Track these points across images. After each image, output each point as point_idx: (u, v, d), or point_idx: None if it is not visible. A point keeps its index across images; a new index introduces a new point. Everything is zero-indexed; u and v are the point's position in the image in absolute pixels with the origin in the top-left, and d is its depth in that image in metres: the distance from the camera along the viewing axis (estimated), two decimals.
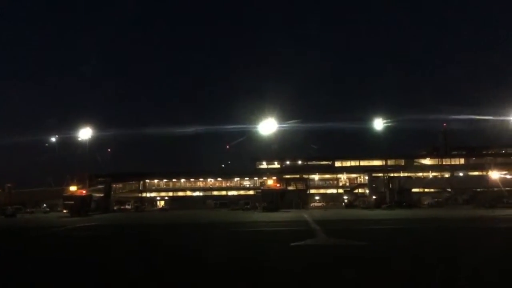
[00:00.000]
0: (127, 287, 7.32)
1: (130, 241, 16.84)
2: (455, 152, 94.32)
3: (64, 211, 52.46)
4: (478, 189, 64.24)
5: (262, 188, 65.50)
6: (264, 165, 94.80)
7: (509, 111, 54.12)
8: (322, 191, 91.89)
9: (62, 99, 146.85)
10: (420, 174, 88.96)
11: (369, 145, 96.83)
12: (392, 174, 74.99)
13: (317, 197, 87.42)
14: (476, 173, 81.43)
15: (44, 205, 73.91)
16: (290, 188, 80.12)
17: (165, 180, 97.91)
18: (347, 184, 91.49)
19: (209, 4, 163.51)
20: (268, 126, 56.76)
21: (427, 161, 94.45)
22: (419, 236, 16.42)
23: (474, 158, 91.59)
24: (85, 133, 60.60)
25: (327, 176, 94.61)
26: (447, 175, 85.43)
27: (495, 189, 59.53)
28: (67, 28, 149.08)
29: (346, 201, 75.24)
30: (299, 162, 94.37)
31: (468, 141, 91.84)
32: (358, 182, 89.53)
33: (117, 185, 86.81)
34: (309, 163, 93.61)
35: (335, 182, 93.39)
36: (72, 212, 48.60)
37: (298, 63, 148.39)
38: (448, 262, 9.06)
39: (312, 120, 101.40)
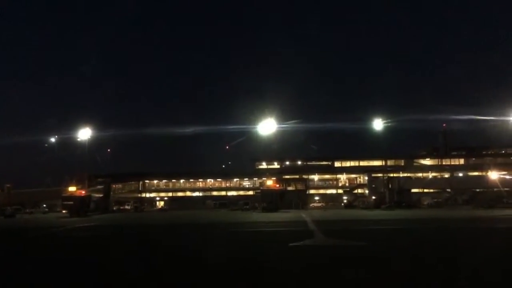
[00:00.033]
0: None
1: (129, 242, 16.83)
2: (454, 153, 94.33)
3: (63, 211, 52.35)
4: (478, 190, 64.28)
5: (261, 188, 65.49)
6: (263, 165, 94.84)
7: (509, 111, 54.09)
8: (321, 191, 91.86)
9: (62, 99, 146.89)
10: (419, 175, 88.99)
11: (369, 145, 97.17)
12: (391, 175, 75.04)
13: (316, 198, 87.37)
14: (475, 173, 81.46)
15: (44, 205, 73.79)
16: (289, 188, 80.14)
17: (164, 181, 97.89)
18: (347, 184, 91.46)
19: (209, 4, 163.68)
20: (267, 126, 56.66)
21: (426, 162, 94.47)
22: (418, 237, 16.42)
23: (473, 159, 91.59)
24: (84, 133, 60.55)
25: (327, 176, 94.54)
26: (446, 175, 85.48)
27: (495, 189, 59.57)
28: (67, 28, 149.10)
29: (345, 201, 75.26)
30: (299, 162, 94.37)
31: (468, 141, 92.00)
32: (358, 182, 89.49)
33: (117, 186, 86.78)
34: (308, 163, 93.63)
35: (335, 182, 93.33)
36: (71, 213, 48.51)
37: (298, 63, 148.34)
38: (447, 263, 9.06)
39: (312, 120, 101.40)
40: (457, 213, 38.38)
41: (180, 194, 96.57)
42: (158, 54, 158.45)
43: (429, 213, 39.23)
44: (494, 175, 65.97)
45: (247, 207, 65.33)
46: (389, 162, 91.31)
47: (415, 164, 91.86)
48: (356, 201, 72.59)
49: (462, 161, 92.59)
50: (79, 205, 50.45)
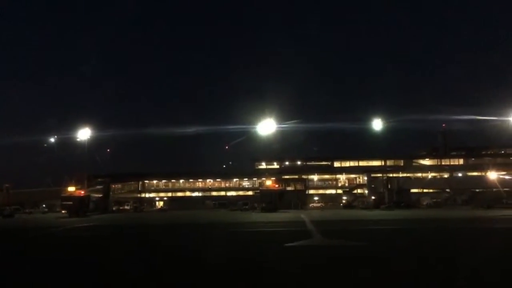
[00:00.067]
0: None
1: (128, 242, 16.83)
2: (454, 153, 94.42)
3: (63, 211, 52.32)
4: (477, 190, 64.34)
5: (260, 188, 65.54)
6: (263, 165, 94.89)
7: (509, 111, 54.09)
8: (321, 191, 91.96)
9: (62, 99, 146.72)
10: (419, 175, 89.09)
11: (368, 146, 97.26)
12: (391, 175, 75.09)
13: (316, 198, 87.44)
14: (475, 173, 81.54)
15: (43, 205, 73.75)
16: (289, 188, 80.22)
17: (164, 181, 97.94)
18: (346, 184, 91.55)
19: (209, 4, 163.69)
20: (267, 126, 56.62)
21: (426, 162, 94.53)
22: (417, 237, 16.42)
23: (473, 159, 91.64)
24: (84, 133, 60.48)
25: (326, 176, 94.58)
26: (446, 175, 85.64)
27: (494, 189, 59.58)
28: (67, 28, 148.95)
29: (344, 201, 75.31)
30: (298, 162, 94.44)
31: (468, 141, 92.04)
32: (357, 182, 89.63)
33: (116, 186, 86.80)
34: (308, 163, 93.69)
35: (334, 182, 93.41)
36: (71, 213, 48.47)
37: (298, 63, 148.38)
38: (446, 263, 9.07)
39: (311, 120, 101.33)
40: (456, 213, 38.40)
41: (179, 194, 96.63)
42: (158, 54, 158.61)
43: (428, 213, 39.25)
44: (493, 175, 66.02)
45: (247, 207, 65.37)
46: (389, 162, 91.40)
47: (414, 164, 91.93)
48: (355, 201, 72.72)
49: (461, 161, 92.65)
50: (78, 205, 50.40)
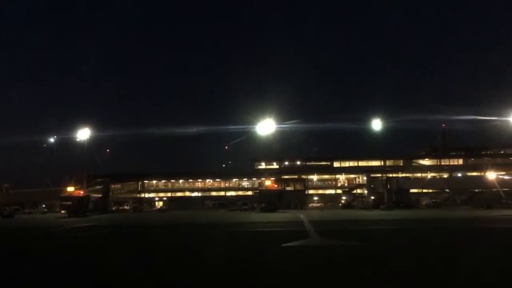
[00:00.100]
0: None
1: (128, 242, 16.83)
2: (453, 153, 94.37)
3: (62, 211, 52.30)
4: (477, 190, 64.33)
5: (260, 188, 65.51)
6: (262, 165, 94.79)
7: (509, 111, 54.09)
8: (320, 191, 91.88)
9: (62, 99, 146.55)
10: (418, 175, 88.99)
11: (368, 146, 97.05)
12: (390, 175, 75.07)
13: (315, 198, 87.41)
14: (474, 173, 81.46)
15: (43, 205, 73.71)
16: (288, 188, 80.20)
17: (163, 181, 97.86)
18: (346, 184, 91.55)
19: (209, 4, 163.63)
20: (267, 127, 56.64)
21: (425, 162, 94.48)
22: (416, 237, 16.43)
23: (472, 159, 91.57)
24: (84, 133, 60.41)
25: (326, 176, 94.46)
26: (445, 175, 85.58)
27: (494, 189, 59.58)
28: (67, 28, 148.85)
29: (343, 201, 75.30)
30: (298, 162, 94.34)
31: (467, 141, 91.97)
32: (357, 182, 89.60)
33: (116, 186, 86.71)
34: (307, 163, 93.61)
35: (334, 182, 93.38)
36: (70, 213, 48.46)
37: (298, 63, 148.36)
38: (445, 263, 9.07)
39: (311, 120, 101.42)
40: (455, 213, 38.42)
41: (179, 194, 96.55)
42: (158, 54, 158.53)
43: (427, 213, 39.27)
44: (493, 175, 66.01)
45: (246, 207, 65.37)
46: (388, 162, 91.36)
47: (414, 164, 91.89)
48: (354, 201, 72.69)
49: (461, 161, 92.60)
50: (78, 205, 50.39)
